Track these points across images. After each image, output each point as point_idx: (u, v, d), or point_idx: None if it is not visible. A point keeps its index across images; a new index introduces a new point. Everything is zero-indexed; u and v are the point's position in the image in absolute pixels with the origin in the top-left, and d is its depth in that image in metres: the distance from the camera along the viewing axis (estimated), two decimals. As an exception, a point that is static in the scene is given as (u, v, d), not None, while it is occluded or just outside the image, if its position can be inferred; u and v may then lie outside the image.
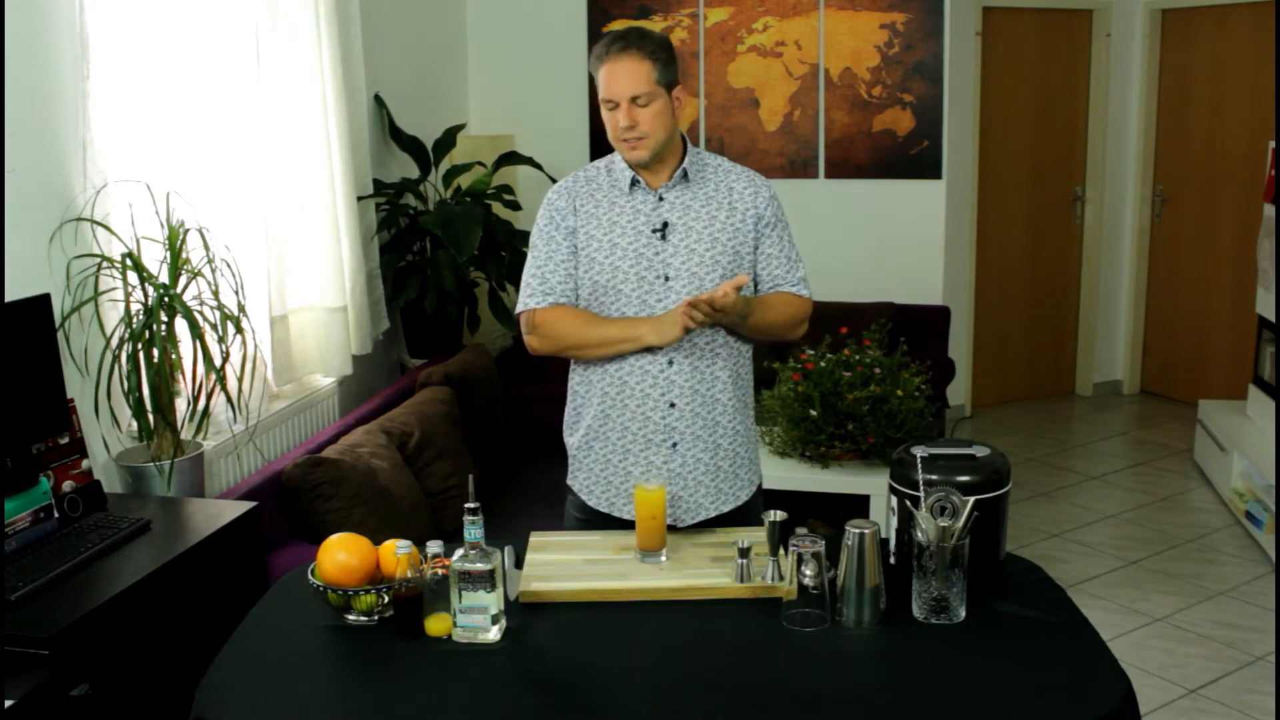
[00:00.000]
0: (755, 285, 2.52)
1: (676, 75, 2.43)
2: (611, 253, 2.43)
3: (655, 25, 5.61)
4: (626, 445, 2.49)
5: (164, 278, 3.05)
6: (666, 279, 2.42)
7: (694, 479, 2.50)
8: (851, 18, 5.44)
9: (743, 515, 2.57)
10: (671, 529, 2.43)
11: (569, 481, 2.63)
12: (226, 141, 3.48)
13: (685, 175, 2.46)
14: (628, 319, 2.42)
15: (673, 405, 2.45)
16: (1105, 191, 6.43)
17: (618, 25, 5.65)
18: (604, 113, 2.45)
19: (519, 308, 2.51)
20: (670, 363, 2.44)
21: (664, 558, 2.28)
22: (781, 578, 2.15)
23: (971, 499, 2.04)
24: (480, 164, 4.92)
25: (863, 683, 1.90)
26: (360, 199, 4.21)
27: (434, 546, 2.06)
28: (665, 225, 2.43)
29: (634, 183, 2.47)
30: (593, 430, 2.53)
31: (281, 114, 3.73)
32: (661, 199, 2.45)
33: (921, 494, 2.07)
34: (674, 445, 2.48)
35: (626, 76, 2.37)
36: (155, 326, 2.94)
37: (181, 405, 3.11)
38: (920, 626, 2.04)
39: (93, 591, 2.35)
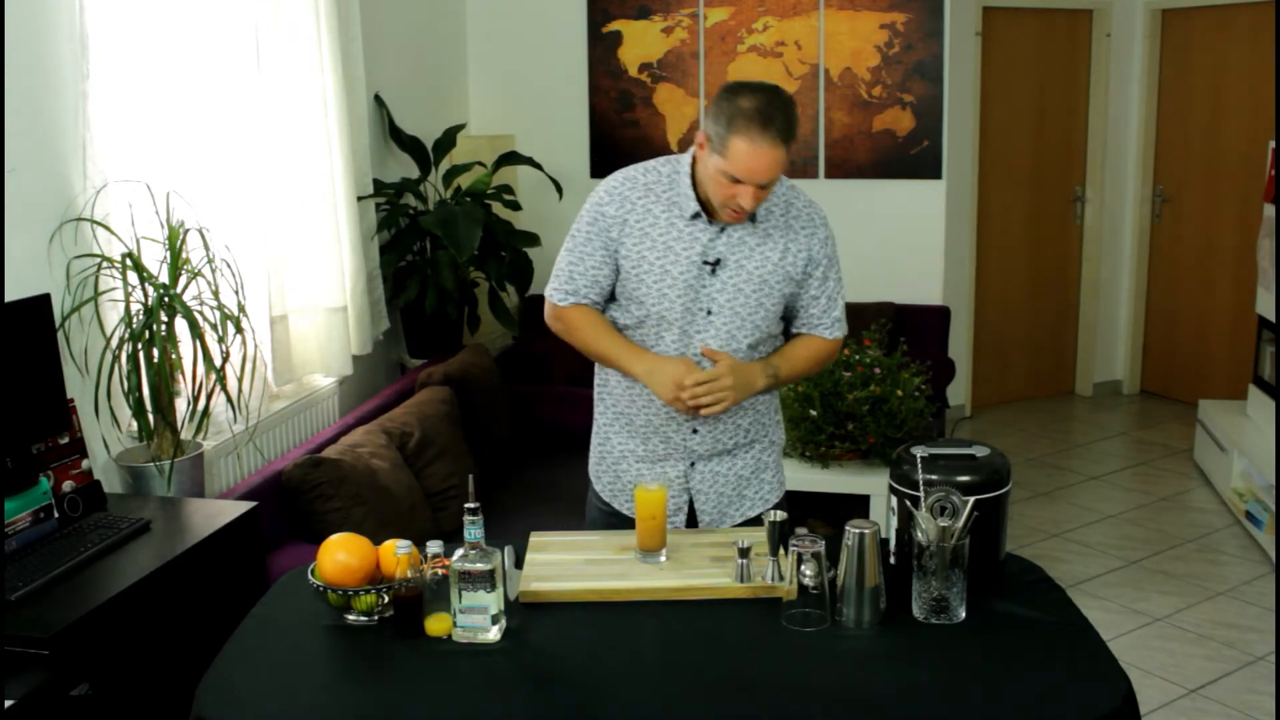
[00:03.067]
0: (790, 316, 2.50)
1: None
2: (662, 279, 2.37)
3: (655, 25, 5.61)
4: (642, 455, 2.52)
5: (164, 278, 3.05)
6: (709, 313, 2.39)
7: (715, 490, 2.54)
8: (851, 18, 5.44)
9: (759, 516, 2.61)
10: (673, 529, 2.44)
11: (590, 471, 2.67)
12: (226, 141, 3.48)
13: (752, 217, 2.38)
14: (634, 350, 2.41)
15: (695, 431, 2.49)
16: (1105, 191, 6.43)
17: (617, 25, 5.65)
18: (717, 175, 2.26)
19: (547, 289, 2.50)
20: None
21: (664, 558, 2.28)
22: (781, 578, 2.15)
23: (971, 499, 2.04)
24: (480, 164, 4.92)
25: (863, 683, 1.90)
26: (360, 199, 4.21)
27: (434, 546, 2.06)
28: (718, 261, 2.37)
29: (698, 214, 2.36)
30: (608, 430, 2.56)
31: (281, 114, 3.72)
32: (722, 231, 2.37)
33: (921, 494, 2.07)
34: (691, 464, 2.52)
35: (768, 166, 2.22)
36: (155, 326, 2.94)
37: (181, 405, 3.11)
38: (920, 626, 2.04)
39: (93, 591, 2.35)
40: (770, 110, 2.20)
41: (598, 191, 2.43)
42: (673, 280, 2.37)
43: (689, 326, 2.40)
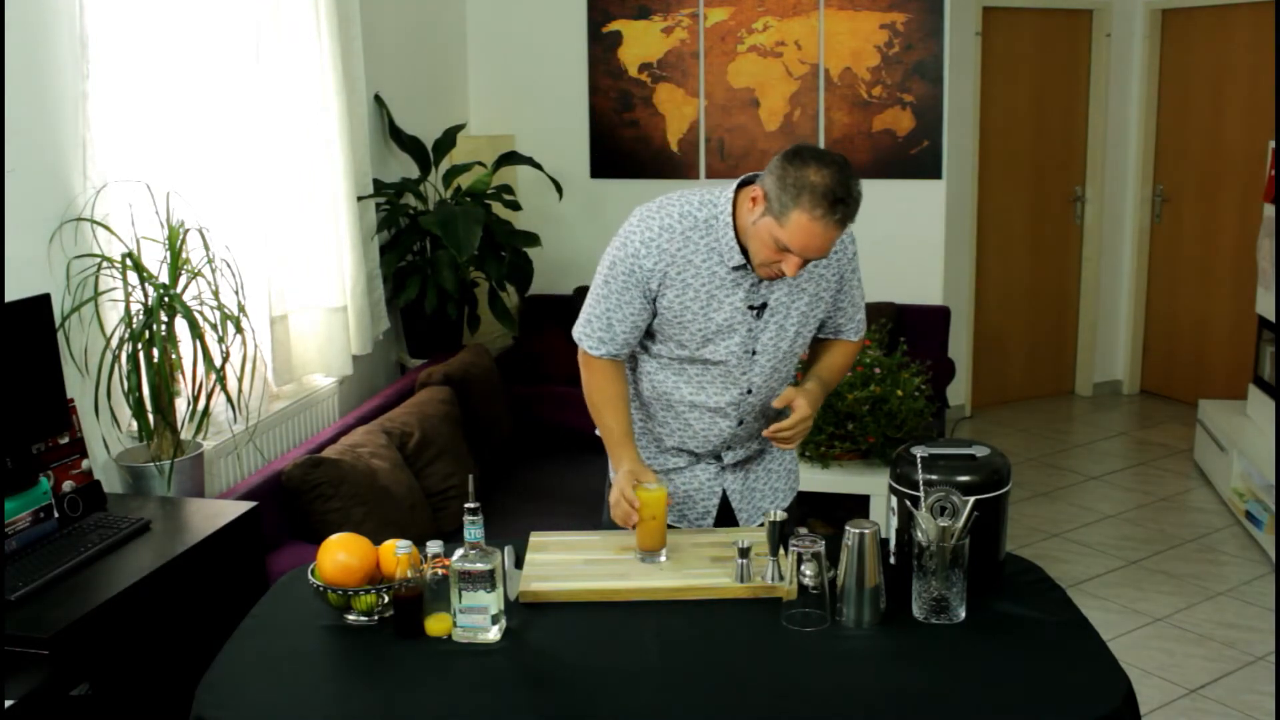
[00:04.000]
0: (820, 325, 2.50)
1: None
2: (705, 325, 2.33)
3: (655, 25, 5.61)
4: (669, 452, 2.55)
5: (164, 278, 3.05)
6: (754, 353, 2.38)
7: (747, 486, 2.59)
8: (851, 18, 5.44)
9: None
10: (673, 528, 2.44)
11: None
12: (226, 142, 3.48)
13: None
14: (624, 439, 2.41)
15: (719, 457, 2.54)
16: (1105, 191, 6.43)
17: (617, 25, 5.65)
18: (767, 238, 2.18)
19: (577, 332, 2.42)
20: (740, 423, 2.47)
21: (664, 558, 2.28)
22: (781, 578, 2.15)
23: (971, 499, 2.04)
24: (480, 164, 4.92)
25: (863, 683, 1.90)
26: (360, 199, 4.21)
27: (434, 546, 2.06)
28: (765, 306, 2.35)
29: (741, 265, 2.29)
30: (643, 425, 2.57)
31: (281, 114, 3.72)
32: (762, 279, 2.31)
33: (921, 494, 2.07)
34: (722, 468, 2.56)
35: (823, 246, 2.17)
36: (155, 326, 2.94)
37: (181, 405, 3.11)
38: (920, 626, 2.04)
39: (93, 591, 2.35)
40: (840, 192, 2.12)
41: (632, 238, 2.30)
42: (717, 327, 2.33)
43: (734, 369, 2.39)
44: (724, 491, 2.57)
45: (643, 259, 2.29)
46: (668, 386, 2.45)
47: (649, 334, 2.41)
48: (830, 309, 2.47)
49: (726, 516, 2.58)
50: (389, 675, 1.92)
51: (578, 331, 2.42)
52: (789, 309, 2.37)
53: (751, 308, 2.34)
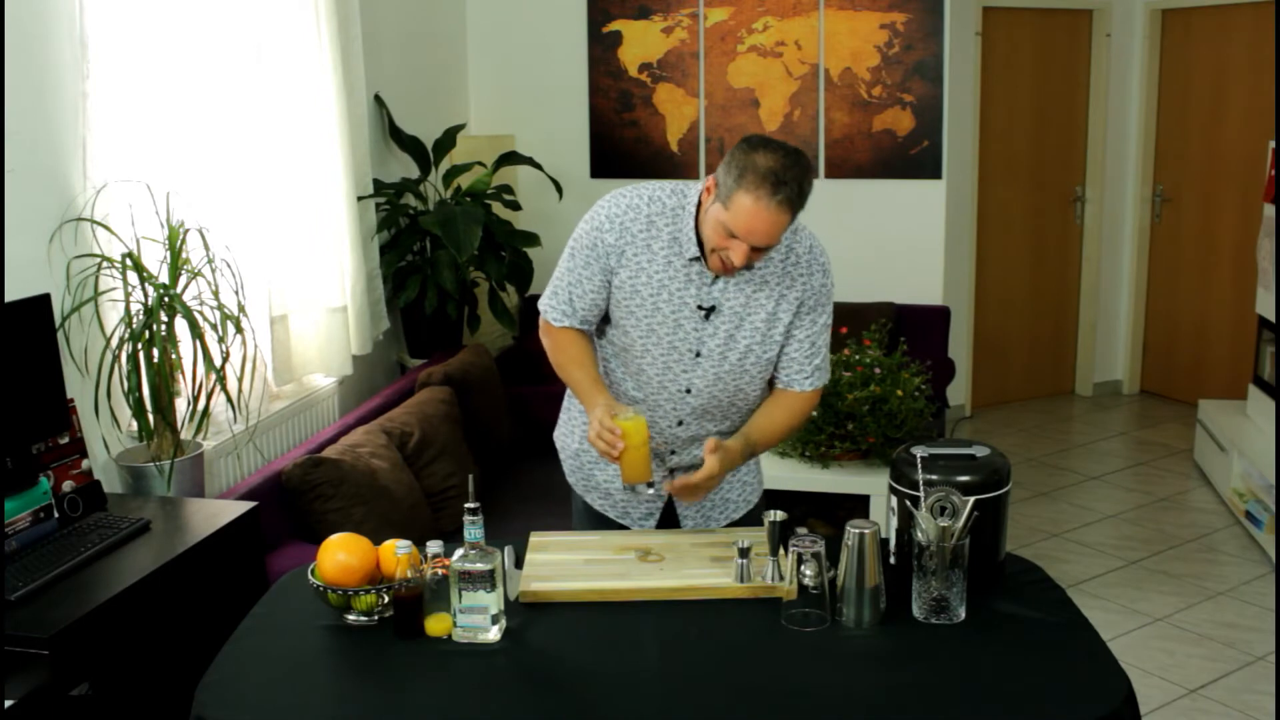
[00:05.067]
0: (775, 359, 2.40)
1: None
2: (652, 315, 2.31)
3: (655, 25, 5.61)
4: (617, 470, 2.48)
5: (164, 278, 3.05)
6: (698, 355, 2.34)
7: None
8: (851, 18, 5.44)
9: (743, 517, 2.59)
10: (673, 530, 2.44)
11: (569, 479, 2.64)
12: (226, 142, 3.48)
13: (750, 266, 2.28)
14: (594, 385, 2.33)
15: (673, 453, 2.47)
16: (1105, 191, 6.43)
17: (617, 25, 5.66)
18: (715, 224, 2.18)
19: (543, 303, 2.43)
20: (680, 423, 2.42)
21: (652, 490, 2.30)
22: (781, 578, 2.15)
23: (971, 499, 2.04)
24: (480, 164, 4.92)
25: (863, 683, 1.90)
26: (360, 199, 4.21)
27: (434, 546, 2.06)
28: (713, 308, 2.32)
29: (697, 257, 2.28)
30: (586, 450, 2.54)
31: (281, 114, 3.73)
32: (718, 277, 2.30)
33: (921, 494, 2.07)
34: (670, 472, 2.50)
35: (766, 230, 2.13)
36: (155, 326, 2.94)
37: (181, 405, 3.11)
38: (920, 626, 2.04)
39: (93, 591, 2.35)
40: (784, 174, 2.09)
41: (599, 212, 2.34)
42: (663, 318, 2.31)
43: (675, 365, 2.35)
44: (669, 495, 2.52)
45: (605, 233, 2.31)
46: (616, 376, 2.44)
47: (606, 318, 2.41)
48: (783, 334, 2.36)
49: (670, 519, 2.55)
50: (389, 675, 1.92)
51: (543, 303, 2.43)
52: (742, 319, 2.32)
53: (701, 308, 2.31)
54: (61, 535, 2.56)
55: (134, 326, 2.95)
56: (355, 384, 4.34)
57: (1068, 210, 6.45)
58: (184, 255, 3.09)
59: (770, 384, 2.45)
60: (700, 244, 2.26)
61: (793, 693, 1.86)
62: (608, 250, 2.31)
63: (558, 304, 2.40)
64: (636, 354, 2.37)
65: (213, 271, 3.14)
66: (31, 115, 2.78)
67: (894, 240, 5.58)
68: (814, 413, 3.83)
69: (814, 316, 2.37)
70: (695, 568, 2.24)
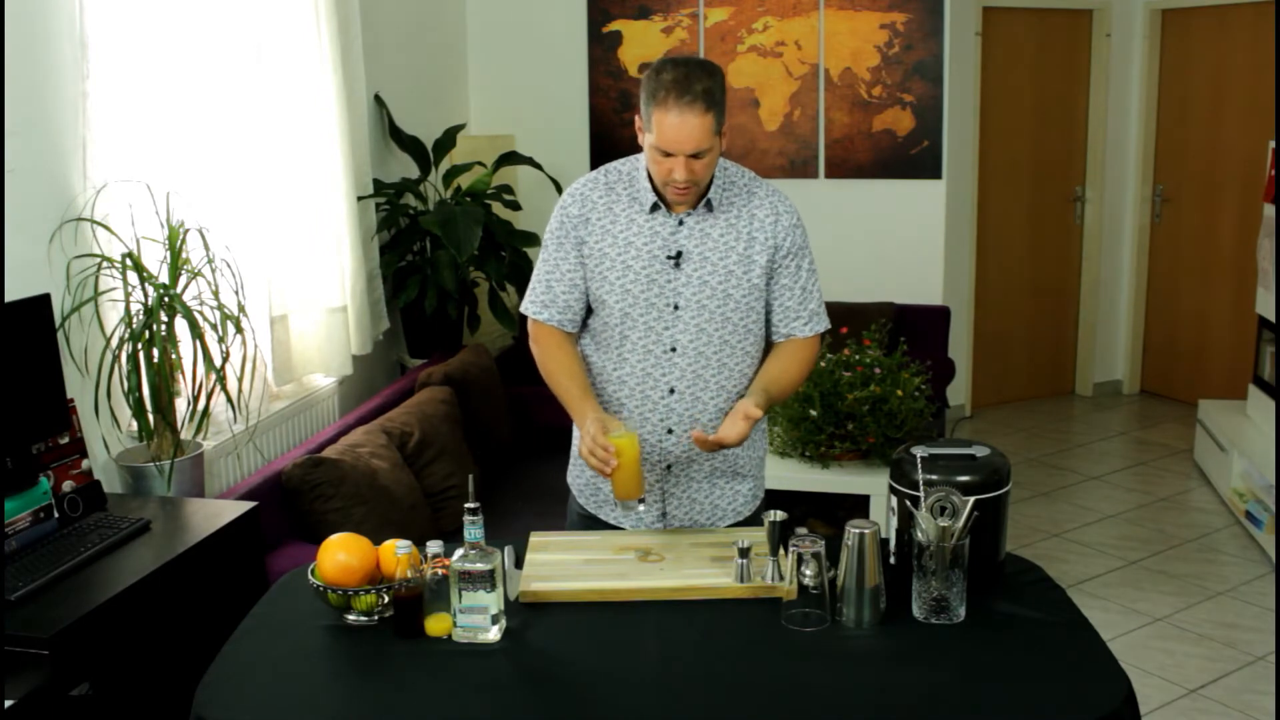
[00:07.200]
0: (767, 314, 2.43)
1: (724, 111, 2.26)
2: (624, 274, 2.36)
3: (655, 25, 5.61)
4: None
5: (164, 278, 3.05)
6: (676, 308, 2.36)
7: (688, 496, 2.50)
8: (851, 18, 5.44)
9: (741, 522, 2.58)
10: (672, 529, 2.44)
11: (569, 479, 2.64)
12: (227, 142, 3.48)
13: (709, 204, 2.35)
14: (583, 396, 2.36)
15: (670, 431, 2.44)
16: (1105, 191, 6.43)
17: (617, 25, 5.65)
18: (650, 153, 2.27)
19: (523, 305, 2.48)
20: (671, 391, 2.40)
21: (643, 507, 2.30)
22: (781, 578, 2.15)
23: (971, 499, 2.04)
24: (480, 164, 4.92)
25: (863, 683, 1.90)
26: (360, 199, 4.21)
27: (434, 546, 2.06)
28: (680, 254, 2.35)
29: (656, 205, 2.36)
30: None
31: (281, 114, 3.73)
32: (681, 224, 2.35)
33: (921, 494, 2.07)
34: (668, 467, 2.47)
35: (690, 133, 2.19)
36: (155, 326, 2.94)
37: (181, 405, 3.11)
38: (920, 626, 2.04)
39: (93, 591, 2.35)
40: (689, 79, 2.18)
41: (563, 197, 2.45)
42: (635, 275, 2.35)
43: (655, 323, 2.37)
44: (664, 499, 2.51)
45: (569, 207, 2.41)
46: (602, 378, 2.45)
47: (589, 311, 2.43)
48: (767, 282, 2.38)
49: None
50: (389, 675, 1.92)
51: (524, 303, 2.48)
52: (707, 259, 2.34)
53: (669, 257, 2.35)
54: (61, 535, 2.56)
55: (134, 326, 2.95)
56: (355, 384, 4.34)
57: (1068, 210, 6.45)
58: (184, 255, 3.09)
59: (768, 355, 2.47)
60: (657, 192, 2.34)
61: (793, 693, 1.86)
62: (574, 223, 2.40)
63: (535, 296, 2.45)
64: (616, 322, 2.38)
65: (213, 271, 3.14)
66: (31, 115, 2.78)
67: (894, 240, 5.58)
68: (814, 412, 3.84)
69: (796, 262, 2.40)
70: (695, 568, 2.24)
